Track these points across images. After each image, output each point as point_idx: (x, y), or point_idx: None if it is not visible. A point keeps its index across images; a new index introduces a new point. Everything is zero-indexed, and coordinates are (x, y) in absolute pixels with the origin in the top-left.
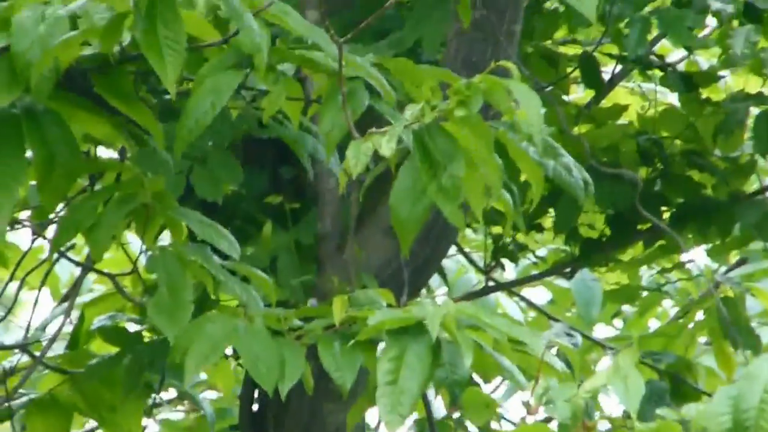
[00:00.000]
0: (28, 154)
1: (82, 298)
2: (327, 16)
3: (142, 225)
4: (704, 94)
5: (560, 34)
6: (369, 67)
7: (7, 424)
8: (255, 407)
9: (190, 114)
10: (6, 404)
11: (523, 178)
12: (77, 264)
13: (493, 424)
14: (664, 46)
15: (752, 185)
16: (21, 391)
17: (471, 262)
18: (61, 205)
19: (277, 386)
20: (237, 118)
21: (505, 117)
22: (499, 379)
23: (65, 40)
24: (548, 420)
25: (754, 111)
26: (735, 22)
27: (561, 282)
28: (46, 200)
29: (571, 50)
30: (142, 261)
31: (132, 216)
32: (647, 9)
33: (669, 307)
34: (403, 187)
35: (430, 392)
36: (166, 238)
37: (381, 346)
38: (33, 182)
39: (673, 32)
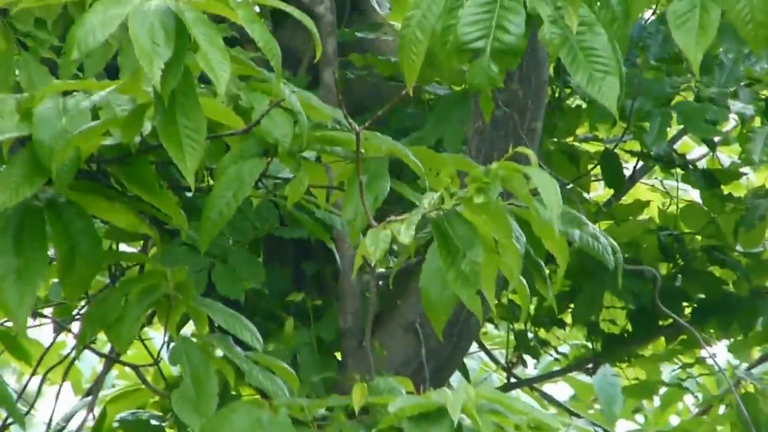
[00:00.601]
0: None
1: (104, 393)
2: (346, 111)
3: (165, 316)
4: (726, 190)
5: (581, 130)
6: (391, 142)
7: None
8: None
9: (213, 206)
10: None
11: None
12: (101, 355)
13: None
14: (686, 143)
15: None
16: None
17: (492, 358)
18: (82, 303)
19: None
20: (257, 215)
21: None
22: None
23: (87, 130)
24: None
25: None
26: (756, 121)
27: (583, 378)
28: (69, 293)
29: (593, 147)
30: (164, 356)
31: (155, 307)
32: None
33: (690, 403)
34: (432, 269)
35: None
36: (187, 331)
37: None
38: (54, 279)
39: (693, 125)
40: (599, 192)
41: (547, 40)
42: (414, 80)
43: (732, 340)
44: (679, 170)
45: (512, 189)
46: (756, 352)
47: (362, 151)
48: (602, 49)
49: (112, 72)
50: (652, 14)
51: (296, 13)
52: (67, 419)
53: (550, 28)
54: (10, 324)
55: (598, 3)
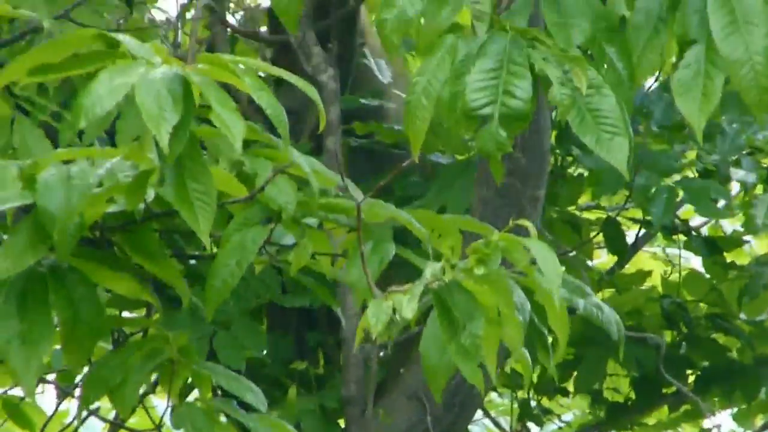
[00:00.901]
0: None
1: None
2: (350, 179)
3: (168, 380)
4: (729, 257)
5: (584, 199)
6: (394, 210)
7: None
8: None
9: (216, 274)
10: None
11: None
12: (105, 421)
13: None
14: (688, 209)
15: None
16: None
17: (498, 426)
18: (86, 369)
19: None
20: (260, 282)
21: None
22: None
23: (91, 197)
24: None
25: None
26: (759, 189)
27: None
28: (71, 360)
29: (595, 215)
30: (167, 422)
31: (158, 371)
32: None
33: None
34: (432, 334)
35: None
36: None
37: None
38: (57, 346)
39: (699, 204)
40: (602, 259)
41: (558, 101)
42: (419, 147)
43: (735, 408)
44: (681, 237)
45: (513, 260)
46: (759, 420)
47: (364, 218)
48: (610, 111)
49: (110, 135)
50: (655, 81)
51: (300, 82)
52: None
53: (560, 89)
54: (12, 392)
55: (605, 65)
